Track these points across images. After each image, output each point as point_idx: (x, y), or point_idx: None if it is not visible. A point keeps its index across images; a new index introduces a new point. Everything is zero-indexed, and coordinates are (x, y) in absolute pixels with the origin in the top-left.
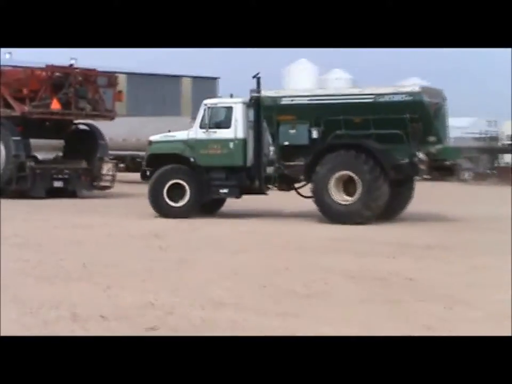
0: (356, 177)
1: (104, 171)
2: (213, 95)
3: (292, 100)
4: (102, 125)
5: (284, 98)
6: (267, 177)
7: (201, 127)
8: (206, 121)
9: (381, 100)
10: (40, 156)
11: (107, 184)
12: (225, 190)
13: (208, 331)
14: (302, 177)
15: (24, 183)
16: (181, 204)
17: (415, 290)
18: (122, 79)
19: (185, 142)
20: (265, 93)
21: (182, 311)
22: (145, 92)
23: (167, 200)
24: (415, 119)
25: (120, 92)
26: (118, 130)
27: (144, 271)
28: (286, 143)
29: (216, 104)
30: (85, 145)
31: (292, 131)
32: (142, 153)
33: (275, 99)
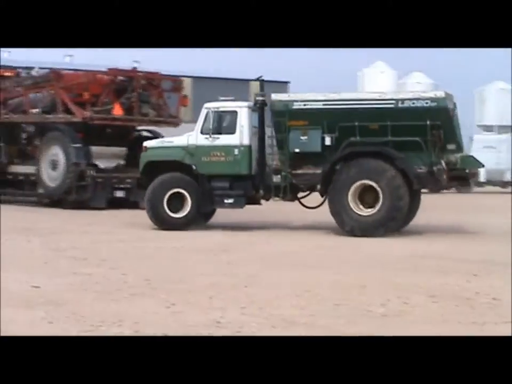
0: (377, 187)
1: None
2: None
3: (305, 105)
4: (166, 132)
5: (296, 103)
6: (276, 187)
7: (202, 132)
8: (209, 126)
9: (402, 105)
10: (101, 164)
11: None
12: (230, 200)
13: None
14: (318, 186)
15: (84, 193)
16: (181, 214)
17: (501, 311)
18: (187, 83)
19: (184, 148)
20: (276, 96)
21: (251, 330)
22: (211, 97)
23: (168, 211)
24: (437, 126)
25: (185, 96)
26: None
27: (211, 287)
28: (297, 150)
29: (219, 108)
30: None
31: (304, 137)
32: None
33: (287, 103)
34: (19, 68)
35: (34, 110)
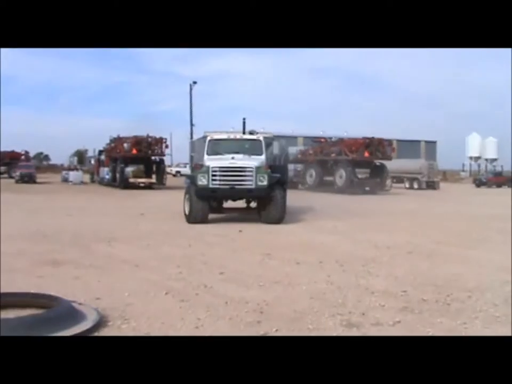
0: None
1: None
2: None
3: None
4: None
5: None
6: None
7: (267, 158)
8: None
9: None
10: (359, 175)
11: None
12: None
13: None
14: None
15: (356, 188)
16: None
17: None
18: (394, 143)
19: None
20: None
21: None
22: (407, 153)
23: None
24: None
25: (393, 148)
26: (393, 165)
27: None
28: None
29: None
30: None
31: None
32: None
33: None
34: (325, 137)
35: (332, 154)
